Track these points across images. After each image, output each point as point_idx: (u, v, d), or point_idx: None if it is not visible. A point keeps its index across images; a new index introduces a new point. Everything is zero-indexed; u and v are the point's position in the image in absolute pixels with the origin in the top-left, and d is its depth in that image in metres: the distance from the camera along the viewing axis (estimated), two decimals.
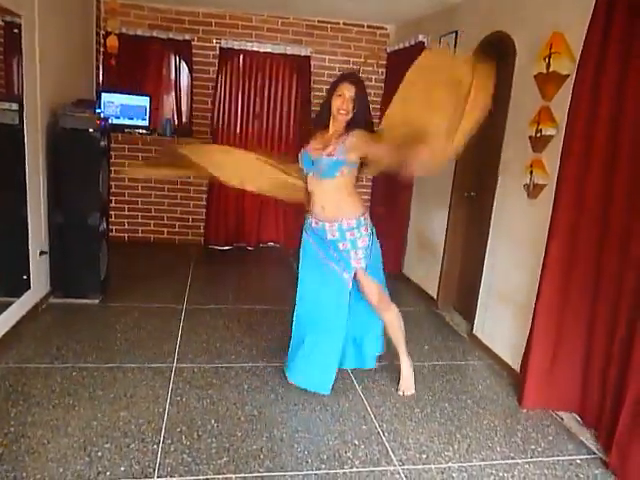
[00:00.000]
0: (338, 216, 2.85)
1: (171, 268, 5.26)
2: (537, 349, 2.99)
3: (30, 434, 2.49)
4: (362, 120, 2.80)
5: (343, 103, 2.74)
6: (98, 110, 4.34)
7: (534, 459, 2.65)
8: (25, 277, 3.68)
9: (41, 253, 3.86)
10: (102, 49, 5.41)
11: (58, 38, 4.11)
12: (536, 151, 3.27)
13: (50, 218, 3.96)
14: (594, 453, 2.72)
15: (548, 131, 3.13)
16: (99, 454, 2.40)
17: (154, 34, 5.51)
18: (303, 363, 3.05)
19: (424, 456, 2.60)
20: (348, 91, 2.74)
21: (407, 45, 5.26)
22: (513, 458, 2.64)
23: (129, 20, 5.45)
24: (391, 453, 2.59)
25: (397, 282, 5.35)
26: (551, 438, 2.84)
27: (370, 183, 6.29)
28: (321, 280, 2.99)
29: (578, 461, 2.65)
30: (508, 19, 3.68)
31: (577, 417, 2.99)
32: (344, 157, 2.74)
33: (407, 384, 3.19)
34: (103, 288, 4.25)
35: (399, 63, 5.53)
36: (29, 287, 3.71)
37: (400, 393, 3.16)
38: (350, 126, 2.79)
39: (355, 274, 2.96)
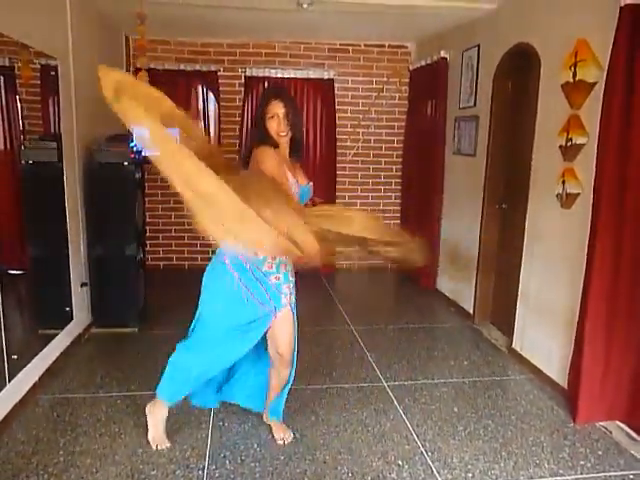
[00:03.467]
0: None
1: None
2: (588, 363, 2.92)
3: (79, 463, 2.55)
4: (301, 135, 2.61)
5: (280, 125, 2.47)
6: (131, 144, 4.47)
7: (584, 475, 2.57)
8: (67, 309, 3.79)
9: (82, 285, 3.98)
10: None
11: (91, 77, 4.26)
12: (567, 160, 3.24)
13: (89, 250, 4.08)
14: None
15: (579, 139, 3.10)
16: None
17: (181, 67, 5.68)
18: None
19: (470, 475, 2.55)
20: (280, 110, 2.47)
21: (429, 62, 5.30)
22: (562, 475, 2.57)
23: (157, 55, 5.63)
24: (436, 473, 2.56)
25: (431, 298, 5.33)
26: (600, 453, 2.76)
27: (399, 200, 6.31)
28: (244, 323, 2.54)
29: (631, 476, 2.57)
30: (531, 30, 3.68)
31: (628, 430, 2.90)
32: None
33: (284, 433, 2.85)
34: (142, 316, 4.34)
35: (422, 80, 5.58)
36: (72, 318, 3.82)
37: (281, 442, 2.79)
38: (294, 145, 2.59)
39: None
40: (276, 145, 2.49)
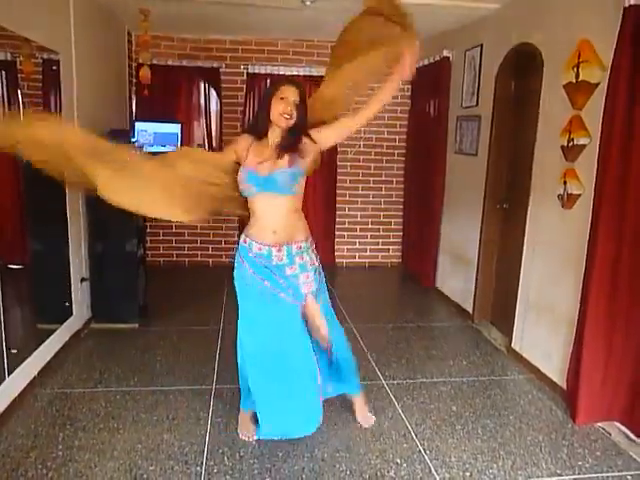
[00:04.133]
0: (289, 239, 2.52)
1: (206, 290, 5.33)
2: (587, 363, 2.92)
3: (78, 458, 2.55)
4: (302, 129, 2.49)
5: (287, 106, 2.39)
6: (132, 139, 4.47)
7: (582, 475, 2.58)
8: (67, 304, 3.79)
9: (82, 280, 3.98)
10: (135, 80, 5.59)
11: (93, 72, 4.27)
12: (569, 160, 3.23)
13: (90, 246, 4.08)
14: None
15: (581, 140, 3.10)
16: (144, 476, 2.44)
17: (184, 63, 5.68)
18: (282, 414, 2.62)
19: (467, 474, 2.56)
20: (292, 95, 2.41)
21: (432, 61, 5.29)
22: (560, 475, 2.57)
23: (159, 51, 5.62)
24: (434, 471, 2.56)
25: (431, 297, 5.33)
26: (599, 453, 2.76)
27: (400, 199, 6.31)
28: (273, 316, 2.55)
29: (629, 477, 2.57)
30: (534, 30, 3.67)
31: (626, 431, 2.91)
32: (302, 166, 2.49)
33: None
34: (141, 312, 4.34)
35: (424, 79, 5.57)
36: (71, 314, 3.82)
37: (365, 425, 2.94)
38: (291, 135, 2.46)
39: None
40: (262, 135, 2.48)
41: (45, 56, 3.50)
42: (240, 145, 2.51)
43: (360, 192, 6.30)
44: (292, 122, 2.42)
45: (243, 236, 2.60)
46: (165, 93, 5.71)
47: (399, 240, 6.44)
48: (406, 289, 5.78)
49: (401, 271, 6.29)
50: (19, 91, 3.29)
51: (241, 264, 2.58)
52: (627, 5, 2.63)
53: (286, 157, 2.45)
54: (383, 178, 6.30)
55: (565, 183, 3.24)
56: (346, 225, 6.36)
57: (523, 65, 3.92)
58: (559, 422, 3.05)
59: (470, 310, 4.64)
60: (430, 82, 5.40)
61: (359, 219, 6.38)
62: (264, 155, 2.45)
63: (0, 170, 3.24)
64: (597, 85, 2.99)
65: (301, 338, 2.59)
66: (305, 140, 2.49)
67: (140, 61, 5.21)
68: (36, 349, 3.29)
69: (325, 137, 2.55)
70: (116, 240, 4.07)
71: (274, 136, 2.48)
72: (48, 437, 2.71)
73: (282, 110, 2.39)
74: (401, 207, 6.34)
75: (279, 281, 2.53)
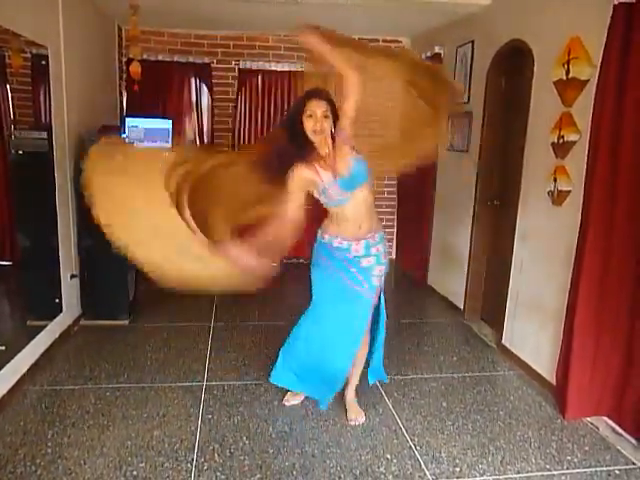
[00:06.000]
0: (370, 231, 2.71)
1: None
2: (575, 359, 2.94)
3: (67, 455, 2.54)
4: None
5: (316, 123, 2.44)
6: (123, 135, 4.45)
7: (571, 470, 2.59)
8: (57, 300, 3.76)
9: (72, 276, 3.95)
10: (125, 75, 5.56)
11: (83, 67, 4.24)
12: (559, 157, 3.25)
13: (80, 242, 4.05)
14: (633, 463, 2.65)
15: (570, 137, 3.11)
16: (134, 473, 2.43)
17: (175, 59, 5.64)
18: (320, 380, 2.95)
19: (457, 469, 2.57)
20: (319, 108, 2.45)
21: (423, 57, 5.28)
22: (549, 470, 2.59)
23: (150, 46, 5.58)
24: (424, 467, 2.57)
25: (423, 294, 5.34)
26: (587, 448, 2.78)
27: (392, 195, 6.32)
28: (345, 305, 2.79)
29: (617, 472, 2.59)
30: (524, 27, 3.68)
31: (614, 426, 2.93)
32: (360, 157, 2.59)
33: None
34: (132, 309, 4.32)
35: None
36: (61, 310, 3.80)
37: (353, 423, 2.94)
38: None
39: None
40: (308, 151, 2.51)
41: (34, 51, 3.46)
42: (303, 177, 2.53)
43: None
44: (326, 133, 2.49)
45: (321, 232, 2.80)
46: (156, 89, 5.67)
47: (391, 237, 6.44)
48: (398, 286, 5.78)
49: (393, 268, 6.28)
50: (7, 86, 3.26)
51: (320, 257, 2.81)
52: (617, 2, 2.63)
53: (348, 153, 2.55)
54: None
55: (555, 180, 3.26)
56: None
57: (514, 62, 3.93)
58: (548, 417, 3.07)
59: (461, 307, 4.66)
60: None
61: None
62: (330, 164, 2.54)
63: None
64: (587, 82, 3.00)
65: (362, 328, 2.91)
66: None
67: (130, 56, 5.16)
68: (26, 346, 3.27)
69: (349, 111, 2.48)
70: (106, 237, 4.04)
71: (325, 146, 2.53)
72: (37, 434, 2.70)
73: (312, 127, 2.46)
74: (393, 204, 6.34)
75: (355, 274, 2.72)
